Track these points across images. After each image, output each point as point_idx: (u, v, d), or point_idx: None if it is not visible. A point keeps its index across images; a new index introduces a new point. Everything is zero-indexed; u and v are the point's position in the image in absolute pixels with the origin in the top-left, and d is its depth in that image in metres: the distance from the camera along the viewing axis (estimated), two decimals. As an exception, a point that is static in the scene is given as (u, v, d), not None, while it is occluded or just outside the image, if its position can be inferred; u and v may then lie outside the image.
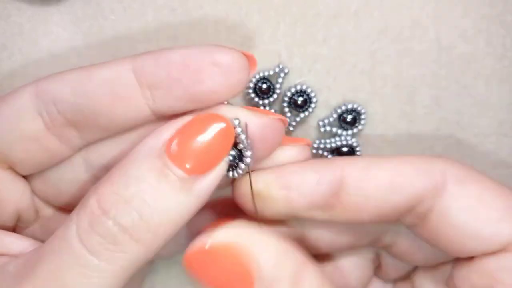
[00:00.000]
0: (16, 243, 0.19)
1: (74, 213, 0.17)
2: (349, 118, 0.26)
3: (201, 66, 0.18)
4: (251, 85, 0.25)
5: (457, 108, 0.26)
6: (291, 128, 0.26)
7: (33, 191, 0.21)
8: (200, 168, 0.17)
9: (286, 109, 0.26)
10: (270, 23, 0.25)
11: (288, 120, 0.20)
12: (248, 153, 0.18)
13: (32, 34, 0.25)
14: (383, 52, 0.26)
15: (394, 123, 0.26)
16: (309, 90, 0.25)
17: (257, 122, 0.18)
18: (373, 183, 0.19)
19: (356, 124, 0.26)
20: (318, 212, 0.19)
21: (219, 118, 0.18)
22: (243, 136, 0.18)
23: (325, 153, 0.26)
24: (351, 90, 0.26)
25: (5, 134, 0.19)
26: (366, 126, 0.26)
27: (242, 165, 0.18)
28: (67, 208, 0.21)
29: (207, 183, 0.17)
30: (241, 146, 0.18)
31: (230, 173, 0.19)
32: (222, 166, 0.18)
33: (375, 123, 0.26)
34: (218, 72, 0.18)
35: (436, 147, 0.27)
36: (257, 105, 0.25)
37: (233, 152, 0.18)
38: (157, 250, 0.17)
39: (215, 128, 0.17)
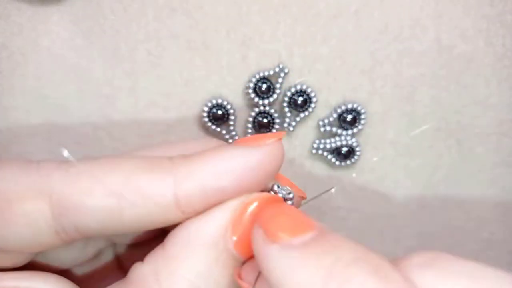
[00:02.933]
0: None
1: None
2: (349, 118, 0.26)
3: (249, 181, 0.17)
4: (251, 85, 0.25)
5: (457, 108, 0.26)
6: (291, 128, 0.26)
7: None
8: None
9: (286, 109, 0.26)
10: (270, 23, 0.25)
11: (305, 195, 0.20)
12: None
13: (32, 34, 0.25)
14: (383, 52, 0.26)
15: (394, 123, 0.26)
16: (309, 90, 0.25)
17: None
18: None
19: (356, 124, 0.26)
20: None
21: (279, 200, 0.17)
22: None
23: (325, 153, 0.26)
24: (351, 90, 0.26)
25: (19, 243, 0.16)
26: (366, 126, 0.26)
27: None
28: None
29: None
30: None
31: None
32: None
33: (375, 123, 0.26)
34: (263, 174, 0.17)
35: (436, 147, 0.27)
36: (257, 105, 0.25)
37: None
38: None
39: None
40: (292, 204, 0.18)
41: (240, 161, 0.17)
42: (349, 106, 0.26)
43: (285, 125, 0.26)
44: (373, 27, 0.25)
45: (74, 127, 0.25)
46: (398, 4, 0.25)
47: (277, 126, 0.26)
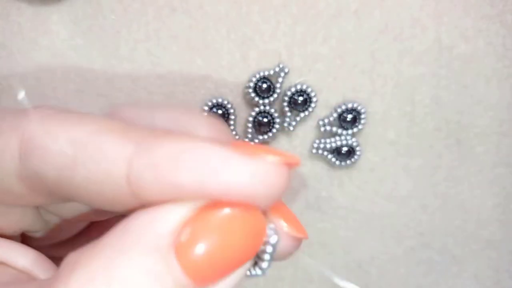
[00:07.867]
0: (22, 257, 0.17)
1: None
2: (349, 117, 0.26)
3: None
4: (251, 84, 0.25)
5: (457, 108, 0.26)
6: (291, 128, 0.26)
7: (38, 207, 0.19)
8: (215, 276, 0.13)
9: (286, 109, 0.26)
10: (270, 23, 0.25)
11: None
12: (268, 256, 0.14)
13: (32, 33, 0.25)
14: (383, 52, 0.26)
15: (394, 123, 0.26)
16: (309, 90, 0.25)
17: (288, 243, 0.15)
18: None
19: (356, 124, 0.26)
20: None
21: (253, 210, 0.13)
22: (274, 239, 0.13)
23: (325, 153, 0.26)
24: (351, 89, 0.26)
25: None
26: (366, 125, 0.26)
27: (262, 266, 0.14)
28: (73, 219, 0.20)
29: None
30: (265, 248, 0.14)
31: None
32: (242, 271, 0.13)
33: (375, 123, 0.26)
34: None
35: (436, 147, 0.27)
36: (257, 104, 0.25)
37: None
38: None
39: (244, 223, 0.13)
40: (274, 247, 0.13)
41: (216, 166, 0.13)
42: (349, 105, 0.26)
43: (285, 124, 0.26)
44: (373, 27, 0.25)
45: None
46: (398, 4, 0.25)
47: (277, 126, 0.26)
